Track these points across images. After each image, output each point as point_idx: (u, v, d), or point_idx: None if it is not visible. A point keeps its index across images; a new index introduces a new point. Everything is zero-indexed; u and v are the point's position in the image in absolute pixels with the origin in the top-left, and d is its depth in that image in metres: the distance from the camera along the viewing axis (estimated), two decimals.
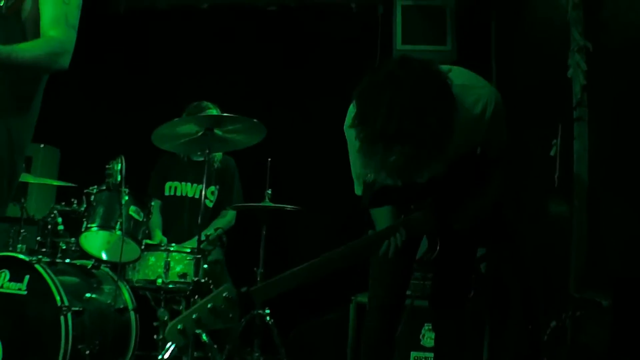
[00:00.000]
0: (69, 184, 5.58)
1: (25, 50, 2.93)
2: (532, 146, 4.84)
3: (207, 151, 4.68)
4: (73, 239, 5.07)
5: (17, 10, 2.82)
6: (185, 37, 7.20)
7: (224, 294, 2.47)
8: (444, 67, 2.85)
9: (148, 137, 4.85)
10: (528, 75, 5.27)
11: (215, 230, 5.48)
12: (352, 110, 2.86)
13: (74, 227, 5.04)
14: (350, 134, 3.00)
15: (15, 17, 2.98)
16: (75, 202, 4.97)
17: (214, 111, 5.65)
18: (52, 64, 3.04)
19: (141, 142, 5.15)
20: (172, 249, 4.95)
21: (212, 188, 5.79)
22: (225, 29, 7.15)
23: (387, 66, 2.78)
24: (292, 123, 6.63)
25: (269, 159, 5.32)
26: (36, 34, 3.04)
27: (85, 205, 4.90)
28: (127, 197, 4.78)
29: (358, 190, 3.40)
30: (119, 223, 4.73)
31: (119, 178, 4.81)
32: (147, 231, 5.04)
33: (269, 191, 5.19)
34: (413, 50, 6.36)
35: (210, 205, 5.75)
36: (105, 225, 4.79)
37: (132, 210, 4.83)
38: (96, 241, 5.00)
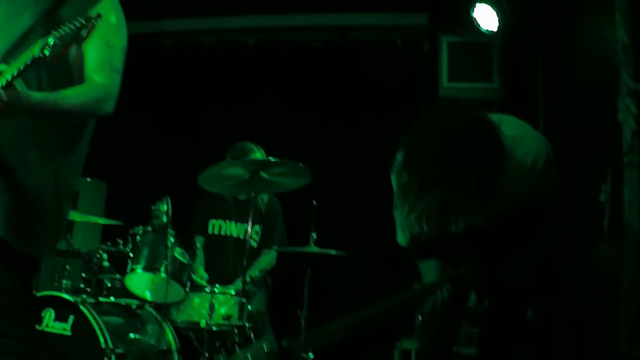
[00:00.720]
0: (115, 222, 5.60)
1: (71, 97, 2.92)
2: (580, 190, 4.76)
3: (253, 194, 4.69)
4: (118, 275, 5.10)
5: (63, 57, 2.81)
6: (232, 73, 7.23)
7: (264, 347, 2.42)
8: (496, 117, 2.81)
9: (193, 174, 4.87)
10: (576, 115, 5.19)
11: (260, 271, 5.47)
12: (399, 157, 2.83)
13: (119, 262, 5.07)
14: (395, 180, 2.98)
15: (61, 63, 2.98)
16: (121, 242, 5.00)
17: (257, 154, 5.67)
18: (96, 110, 3.03)
19: (187, 179, 5.16)
20: (217, 290, 4.92)
21: (257, 228, 5.78)
22: (271, 66, 7.17)
23: (437, 115, 2.75)
24: (338, 163, 6.57)
25: (314, 202, 5.27)
26: (82, 77, 3.04)
27: (130, 246, 4.91)
28: (172, 239, 4.80)
29: (400, 239, 3.36)
30: (164, 265, 4.74)
31: (164, 219, 4.83)
32: (191, 273, 5.03)
33: (314, 234, 5.16)
34: (459, 88, 6.33)
35: (255, 245, 5.74)
36: (150, 267, 4.81)
37: (178, 252, 4.84)
38: (141, 282, 5.01)
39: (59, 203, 3.09)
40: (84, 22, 2.51)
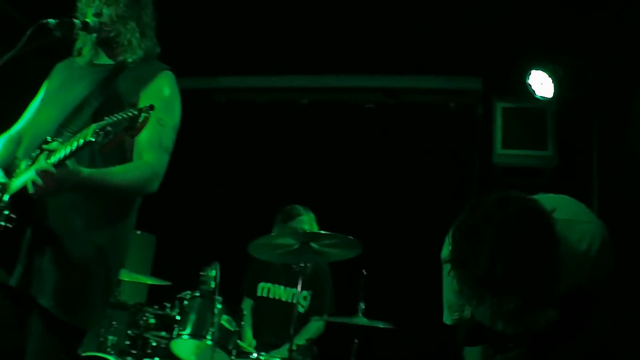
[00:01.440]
0: (163, 283, 5.62)
1: (118, 174, 2.96)
2: (636, 267, 4.64)
3: (302, 264, 4.68)
4: (163, 332, 5.09)
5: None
6: (284, 132, 7.25)
7: None
8: (550, 201, 2.75)
9: (242, 237, 4.86)
10: (632, 187, 5.08)
11: (306, 340, 5.42)
12: (449, 241, 2.79)
13: (165, 324, 5.07)
14: (446, 265, 2.93)
15: None
16: (168, 306, 5.01)
17: (305, 218, 5.66)
18: (143, 189, 3.07)
19: (236, 243, 5.15)
20: (262, 358, 4.88)
21: (305, 293, 5.70)
22: (323, 126, 7.17)
23: (486, 205, 2.69)
24: (388, 230, 6.50)
25: (364, 271, 5.18)
26: (133, 151, 3.06)
27: (177, 310, 4.90)
28: (220, 306, 4.77)
29: (447, 318, 3.30)
30: (210, 332, 4.71)
31: (212, 285, 4.82)
32: (238, 339, 5.00)
33: (362, 305, 5.07)
34: (513, 155, 6.27)
35: (302, 310, 5.66)
36: (197, 334, 4.75)
37: (224, 319, 4.80)
38: (187, 348, 4.96)
39: (107, 274, 3.10)
40: (136, 112, 2.51)
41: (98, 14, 3.17)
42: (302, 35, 6.52)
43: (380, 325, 5.01)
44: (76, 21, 3.07)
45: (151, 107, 2.56)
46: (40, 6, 6.21)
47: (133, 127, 2.52)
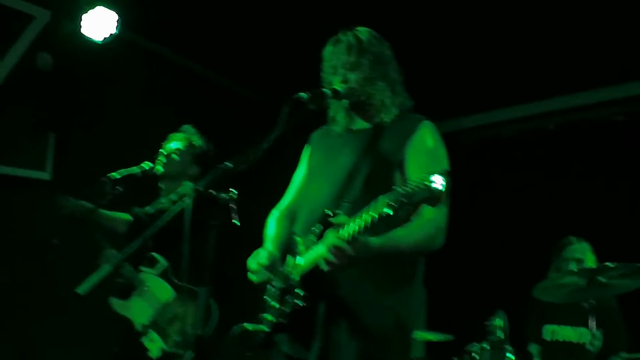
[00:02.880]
0: (446, 338, 5.57)
1: (404, 237, 2.90)
2: None
3: (592, 301, 4.48)
4: None
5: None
6: (536, 161, 7.07)
7: None
8: None
9: (519, 280, 4.75)
10: None
11: None
12: None
13: None
14: None
15: None
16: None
17: (577, 246, 5.42)
18: (429, 247, 3.01)
19: (515, 287, 5.04)
20: None
21: (595, 332, 5.37)
22: (575, 148, 6.92)
23: None
24: None
25: None
26: None
27: None
28: (512, 356, 4.66)
29: None
30: None
31: (501, 335, 4.72)
32: None
33: None
34: None
35: (594, 350, 5.32)
36: None
37: None
38: None
39: (405, 338, 3.07)
40: (435, 184, 2.40)
41: (345, 81, 3.18)
42: (535, 59, 6.37)
43: None
44: (326, 91, 3.10)
45: (447, 172, 2.46)
46: (271, 83, 6.49)
47: (432, 198, 2.43)
